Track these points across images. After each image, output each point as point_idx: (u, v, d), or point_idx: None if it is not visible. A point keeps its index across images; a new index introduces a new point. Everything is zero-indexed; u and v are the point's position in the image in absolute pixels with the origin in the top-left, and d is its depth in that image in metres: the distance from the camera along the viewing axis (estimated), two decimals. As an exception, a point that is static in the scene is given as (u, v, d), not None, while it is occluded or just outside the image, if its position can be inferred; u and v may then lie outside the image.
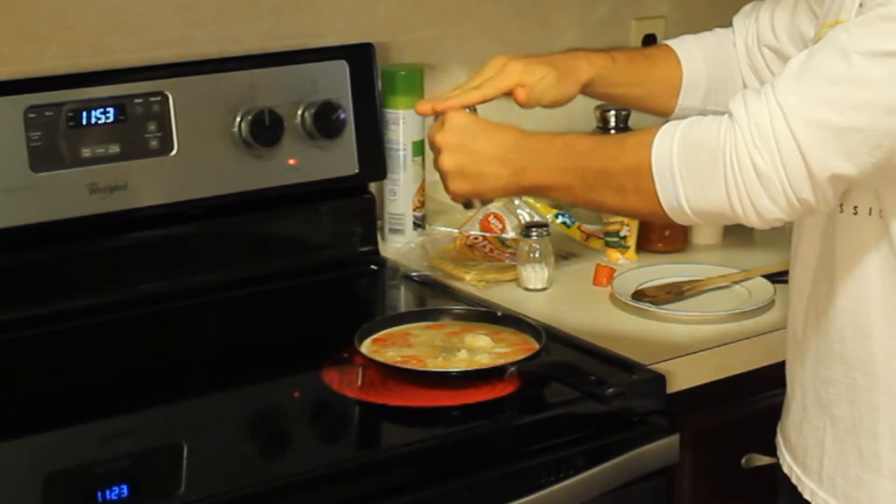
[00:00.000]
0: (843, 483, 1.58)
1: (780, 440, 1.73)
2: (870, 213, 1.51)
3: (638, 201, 1.50)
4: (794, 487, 1.66)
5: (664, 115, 1.83)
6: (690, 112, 1.78)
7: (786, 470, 1.69)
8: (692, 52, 1.84)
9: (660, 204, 1.47)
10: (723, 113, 1.48)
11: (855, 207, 1.52)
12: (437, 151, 1.63)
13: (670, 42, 1.87)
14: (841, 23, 1.52)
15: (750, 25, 1.83)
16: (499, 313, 1.90)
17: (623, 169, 1.49)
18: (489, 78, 1.73)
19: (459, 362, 1.76)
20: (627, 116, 2.44)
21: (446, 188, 1.65)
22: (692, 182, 1.44)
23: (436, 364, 1.75)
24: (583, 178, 1.54)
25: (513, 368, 1.72)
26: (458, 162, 1.61)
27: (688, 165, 1.44)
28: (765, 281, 2.05)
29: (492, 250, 2.18)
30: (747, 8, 1.86)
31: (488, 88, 1.72)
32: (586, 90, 1.80)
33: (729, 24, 1.88)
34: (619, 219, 2.16)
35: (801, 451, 1.65)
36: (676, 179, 1.45)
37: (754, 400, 1.91)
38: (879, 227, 1.51)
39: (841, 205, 1.52)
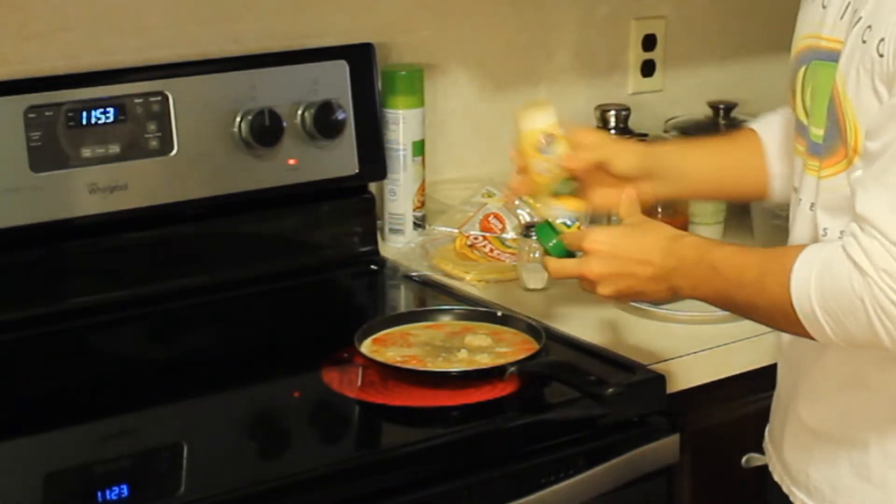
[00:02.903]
0: (832, 493, 1.58)
1: (768, 447, 1.72)
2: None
3: (790, 329, 1.50)
4: (787, 497, 1.65)
5: (763, 195, 1.81)
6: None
7: (776, 478, 1.68)
8: (768, 120, 1.82)
9: (811, 336, 1.47)
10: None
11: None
12: (589, 283, 1.63)
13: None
14: (820, 38, 1.51)
15: None
16: (499, 313, 1.90)
17: (769, 305, 1.49)
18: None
19: (459, 362, 1.76)
20: (627, 117, 2.44)
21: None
22: (840, 328, 1.43)
23: (436, 364, 1.75)
24: (733, 304, 1.56)
25: (513, 368, 1.72)
26: (616, 288, 1.62)
27: (832, 316, 1.43)
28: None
29: (492, 250, 2.17)
30: None
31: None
32: (669, 180, 1.78)
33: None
34: None
35: (788, 461, 1.65)
36: (824, 326, 1.44)
37: (754, 400, 1.90)
38: None
39: (841, 232, 1.50)
